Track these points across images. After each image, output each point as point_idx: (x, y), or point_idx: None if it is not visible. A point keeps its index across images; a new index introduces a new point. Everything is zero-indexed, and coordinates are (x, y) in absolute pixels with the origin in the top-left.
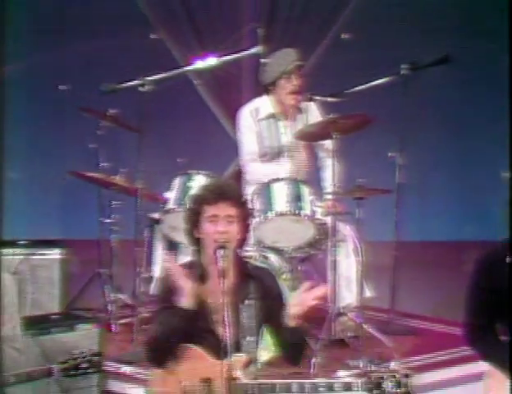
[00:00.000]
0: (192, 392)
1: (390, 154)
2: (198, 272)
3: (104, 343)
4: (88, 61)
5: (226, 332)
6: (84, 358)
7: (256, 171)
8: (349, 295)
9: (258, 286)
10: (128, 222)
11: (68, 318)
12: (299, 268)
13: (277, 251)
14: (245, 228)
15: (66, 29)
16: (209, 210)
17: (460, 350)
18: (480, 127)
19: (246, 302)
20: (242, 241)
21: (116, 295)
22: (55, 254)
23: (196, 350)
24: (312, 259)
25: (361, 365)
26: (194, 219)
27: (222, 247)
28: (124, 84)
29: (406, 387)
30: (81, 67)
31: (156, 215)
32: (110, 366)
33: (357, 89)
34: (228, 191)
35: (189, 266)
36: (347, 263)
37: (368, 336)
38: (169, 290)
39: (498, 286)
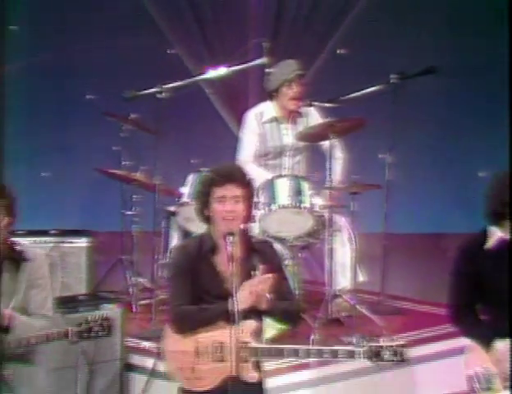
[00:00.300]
0: (205, 353)
1: (380, 156)
2: (209, 244)
3: (126, 321)
4: (112, 73)
5: (235, 302)
6: (96, 322)
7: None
8: (343, 280)
9: (261, 258)
10: (147, 214)
11: (94, 298)
12: (300, 255)
13: (280, 240)
14: (250, 206)
15: (91, 41)
16: (218, 191)
17: (443, 328)
18: (462, 129)
19: (252, 273)
20: (247, 218)
21: (136, 279)
22: (82, 242)
23: None
24: (311, 247)
25: (354, 341)
26: (204, 199)
27: (231, 234)
28: (144, 92)
29: (402, 356)
30: (107, 78)
31: (172, 208)
32: (131, 342)
33: (352, 95)
34: (235, 174)
35: (200, 239)
36: (342, 251)
37: (361, 316)
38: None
39: (477, 271)
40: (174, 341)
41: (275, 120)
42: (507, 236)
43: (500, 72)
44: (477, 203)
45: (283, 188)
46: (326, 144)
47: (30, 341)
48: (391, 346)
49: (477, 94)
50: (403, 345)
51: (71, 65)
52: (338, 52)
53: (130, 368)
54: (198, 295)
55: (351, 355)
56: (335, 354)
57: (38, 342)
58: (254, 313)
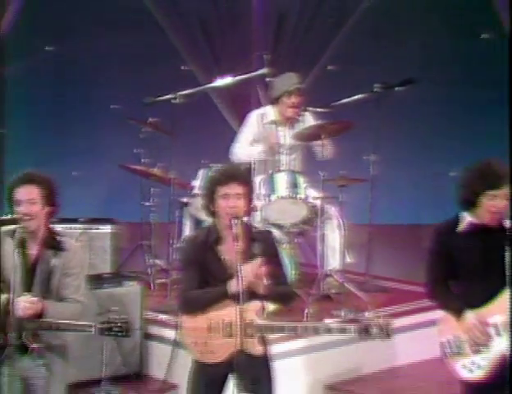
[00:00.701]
0: (216, 329)
1: (365, 157)
2: (214, 236)
3: (145, 298)
4: (134, 85)
5: (239, 281)
6: (116, 324)
7: (239, 152)
8: (333, 261)
9: (261, 246)
10: (163, 205)
11: (117, 277)
12: (296, 240)
13: (279, 227)
14: (250, 202)
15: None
16: (222, 190)
17: (420, 303)
18: (436, 135)
19: (248, 265)
20: (248, 211)
21: (154, 261)
22: (107, 228)
23: None
24: (305, 233)
25: (342, 315)
26: (210, 197)
27: (236, 217)
28: (160, 98)
29: (387, 332)
30: (130, 89)
31: (185, 199)
32: (149, 315)
33: (341, 102)
34: (236, 174)
35: (207, 231)
36: (332, 236)
37: (348, 293)
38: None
39: (450, 251)
40: (189, 319)
41: (274, 123)
42: (476, 221)
43: (473, 83)
44: (448, 198)
45: (281, 181)
46: (318, 143)
47: (59, 327)
48: (378, 324)
49: (451, 102)
50: (388, 323)
51: (98, 79)
52: (328, 67)
53: (148, 337)
54: (205, 280)
55: (343, 330)
56: (329, 330)
57: (66, 329)
58: (254, 296)
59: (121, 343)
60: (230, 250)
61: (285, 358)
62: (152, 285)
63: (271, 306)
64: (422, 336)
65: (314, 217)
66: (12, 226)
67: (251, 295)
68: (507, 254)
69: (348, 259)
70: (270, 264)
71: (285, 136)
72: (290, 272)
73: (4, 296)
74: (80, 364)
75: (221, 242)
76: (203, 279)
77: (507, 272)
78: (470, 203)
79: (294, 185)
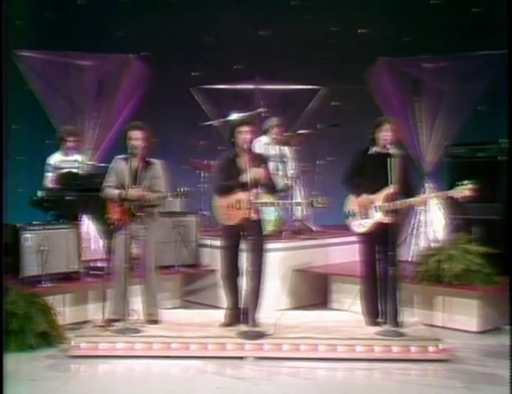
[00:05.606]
0: (232, 205)
1: (318, 162)
2: (234, 154)
3: (198, 225)
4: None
5: (249, 175)
6: (182, 191)
7: None
8: (298, 213)
9: (259, 159)
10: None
11: (183, 213)
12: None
13: None
14: (252, 136)
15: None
16: (238, 129)
17: (344, 235)
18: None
19: (254, 168)
20: (251, 141)
21: (202, 211)
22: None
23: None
24: (283, 197)
25: (302, 236)
26: (233, 133)
27: (246, 142)
28: (207, 122)
29: (323, 204)
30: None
31: None
32: (201, 234)
33: (298, 132)
34: (246, 120)
35: (230, 153)
36: (298, 198)
37: (307, 229)
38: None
39: (362, 163)
40: (218, 200)
41: (267, 144)
42: (377, 149)
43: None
44: None
45: (271, 166)
46: (286, 151)
47: (152, 203)
48: (316, 200)
49: None
50: (324, 201)
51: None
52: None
53: (200, 245)
54: (229, 177)
55: (298, 204)
56: (298, 204)
57: (156, 204)
58: (255, 186)
59: (184, 247)
60: (242, 161)
61: (271, 252)
62: (201, 221)
63: (269, 228)
64: (345, 249)
65: (288, 188)
66: (123, 155)
67: (253, 185)
68: (389, 166)
69: (304, 212)
70: (264, 168)
71: (271, 148)
72: (276, 215)
73: (119, 191)
74: (159, 257)
75: (238, 158)
76: (228, 177)
77: (389, 177)
78: (373, 140)
79: (277, 169)
